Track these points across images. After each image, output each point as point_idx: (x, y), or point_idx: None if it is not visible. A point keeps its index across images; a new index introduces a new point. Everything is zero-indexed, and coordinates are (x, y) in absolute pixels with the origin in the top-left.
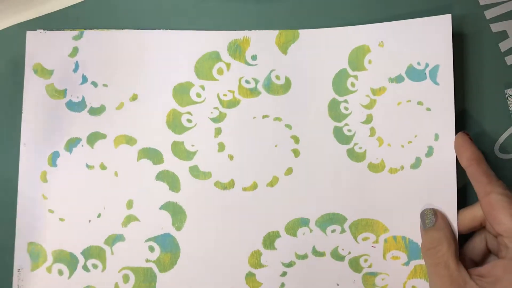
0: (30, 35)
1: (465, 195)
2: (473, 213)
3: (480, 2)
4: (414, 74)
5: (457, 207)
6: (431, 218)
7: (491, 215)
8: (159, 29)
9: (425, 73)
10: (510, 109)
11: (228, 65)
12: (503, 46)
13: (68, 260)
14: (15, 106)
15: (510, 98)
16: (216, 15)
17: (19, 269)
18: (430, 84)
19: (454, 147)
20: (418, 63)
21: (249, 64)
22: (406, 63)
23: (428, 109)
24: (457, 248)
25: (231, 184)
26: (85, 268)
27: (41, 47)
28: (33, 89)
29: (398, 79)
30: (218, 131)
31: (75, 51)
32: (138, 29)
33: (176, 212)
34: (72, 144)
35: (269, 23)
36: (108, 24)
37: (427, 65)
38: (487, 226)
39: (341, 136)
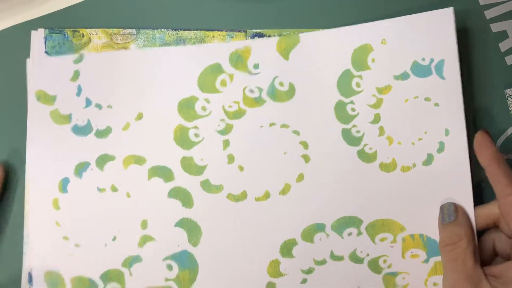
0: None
1: (481, 192)
2: (489, 211)
3: (480, 2)
4: (420, 70)
5: (473, 202)
6: (452, 213)
7: (510, 216)
8: (160, 28)
9: (430, 68)
10: (510, 109)
11: (231, 76)
12: (503, 46)
13: (88, 286)
14: (20, 104)
15: (510, 98)
16: (217, 15)
17: None
18: (437, 79)
19: (474, 146)
20: (423, 59)
21: (251, 73)
22: (411, 59)
23: (436, 104)
24: (476, 245)
25: (243, 196)
26: None
27: (42, 73)
28: (37, 116)
29: (404, 76)
30: (226, 143)
31: (76, 74)
32: (139, 28)
33: (191, 228)
34: (81, 168)
35: (269, 23)
36: (108, 24)
37: (432, 60)
38: (501, 226)
39: (350, 138)
